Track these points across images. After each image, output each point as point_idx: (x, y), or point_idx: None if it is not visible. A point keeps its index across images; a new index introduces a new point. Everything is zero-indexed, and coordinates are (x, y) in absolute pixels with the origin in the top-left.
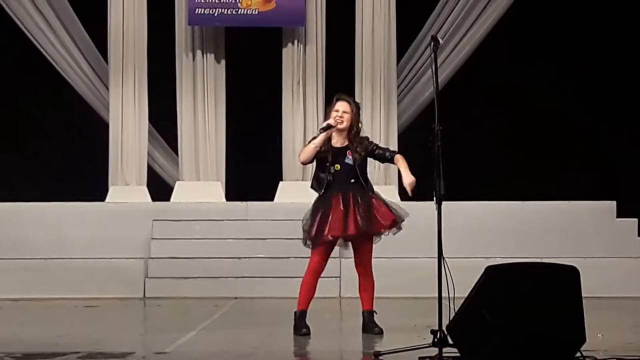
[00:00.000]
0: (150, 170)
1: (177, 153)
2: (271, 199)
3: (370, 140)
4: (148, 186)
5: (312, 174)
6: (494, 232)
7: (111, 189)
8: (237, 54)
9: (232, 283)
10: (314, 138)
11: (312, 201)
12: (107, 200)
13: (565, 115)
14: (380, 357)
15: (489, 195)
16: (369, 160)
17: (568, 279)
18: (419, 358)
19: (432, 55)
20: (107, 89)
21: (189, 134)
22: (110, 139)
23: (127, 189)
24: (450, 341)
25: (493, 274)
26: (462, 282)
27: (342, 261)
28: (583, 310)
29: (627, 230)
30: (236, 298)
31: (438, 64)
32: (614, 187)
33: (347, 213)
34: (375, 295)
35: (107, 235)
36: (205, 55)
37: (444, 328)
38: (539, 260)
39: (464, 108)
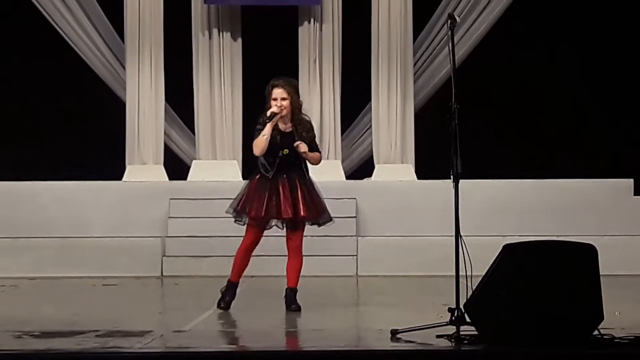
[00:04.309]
0: (167, 149)
1: (193, 132)
2: None
3: (313, 129)
4: (165, 165)
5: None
6: (512, 210)
7: (128, 168)
8: (253, 33)
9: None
10: (258, 127)
11: (250, 179)
12: (124, 179)
13: (585, 93)
14: (398, 335)
15: (506, 174)
16: (386, 136)
17: (585, 257)
18: (437, 336)
19: (449, 33)
20: (124, 68)
21: (205, 113)
22: (127, 118)
23: (144, 168)
24: (468, 319)
25: (510, 252)
26: (480, 261)
27: (359, 239)
28: (600, 289)
29: None
30: (253, 277)
31: (455, 42)
32: (632, 164)
33: (295, 196)
34: (393, 273)
35: (125, 214)
36: (221, 34)
37: (461, 306)
38: (556, 238)
39: (481, 86)
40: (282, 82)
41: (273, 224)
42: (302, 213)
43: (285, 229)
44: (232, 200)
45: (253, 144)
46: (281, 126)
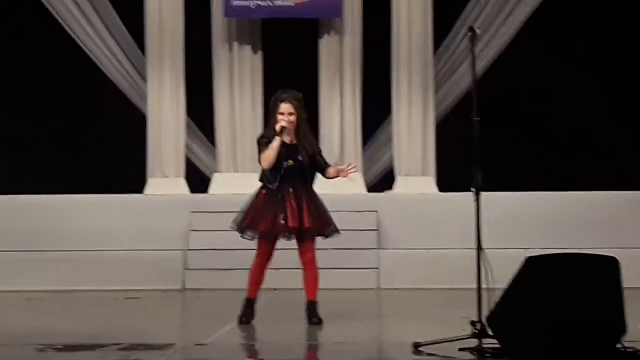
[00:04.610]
0: (188, 162)
1: (214, 145)
2: None
3: (317, 142)
4: (186, 178)
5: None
6: (533, 223)
7: (150, 181)
8: (273, 46)
9: (271, 274)
10: (264, 140)
11: (255, 194)
12: (145, 192)
13: (606, 106)
14: (420, 348)
15: (527, 186)
16: (407, 148)
17: (608, 269)
18: (459, 349)
19: (470, 45)
20: (145, 81)
21: (226, 126)
22: (148, 131)
23: (165, 182)
24: (490, 332)
25: (533, 264)
26: (501, 273)
27: (381, 252)
28: (624, 301)
29: None
30: (275, 290)
31: (475, 55)
32: None
33: (301, 207)
34: (415, 286)
35: (146, 228)
36: (242, 47)
37: (483, 319)
38: (578, 250)
39: (502, 99)
40: (289, 96)
41: (281, 236)
42: (307, 224)
43: (296, 242)
44: (236, 215)
45: (261, 157)
46: (286, 139)
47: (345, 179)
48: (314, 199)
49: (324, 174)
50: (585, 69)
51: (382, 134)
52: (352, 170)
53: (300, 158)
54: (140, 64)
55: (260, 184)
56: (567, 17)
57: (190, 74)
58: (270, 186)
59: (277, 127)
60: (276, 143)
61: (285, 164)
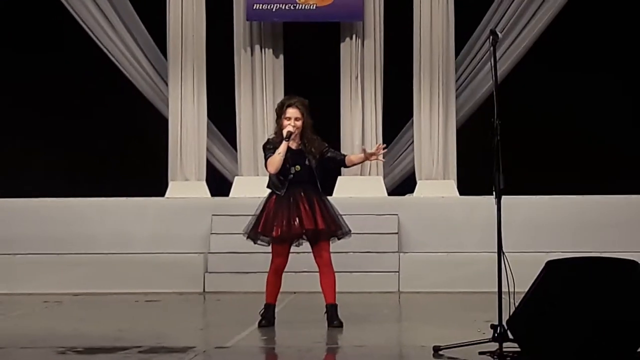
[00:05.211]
0: (209, 166)
1: (235, 148)
2: (329, 193)
3: (323, 141)
4: (207, 181)
5: (269, 176)
6: (554, 226)
7: (171, 184)
8: (295, 49)
9: (291, 278)
10: (269, 146)
11: (266, 200)
12: (166, 195)
13: (626, 111)
14: (440, 352)
15: (548, 190)
16: (428, 152)
17: (628, 272)
18: (479, 353)
19: (491, 49)
20: (166, 84)
21: (247, 129)
22: (169, 134)
23: (186, 185)
24: (511, 336)
25: (553, 268)
26: (522, 277)
27: (401, 255)
28: None
29: None
30: (295, 293)
31: (497, 58)
32: None
33: (313, 209)
34: (435, 289)
35: (167, 231)
36: (263, 51)
37: (504, 323)
38: (598, 254)
39: (523, 102)
40: (297, 101)
41: (295, 241)
42: (321, 225)
43: (310, 245)
44: (249, 222)
45: (267, 162)
46: (292, 144)
47: (373, 161)
48: (325, 201)
49: (343, 164)
50: (605, 74)
51: (403, 137)
52: (383, 150)
53: (307, 162)
54: (162, 67)
55: (268, 191)
56: (588, 22)
57: (211, 77)
58: (278, 192)
59: (284, 132)
60: (282, 148)
61: (292, 169)
